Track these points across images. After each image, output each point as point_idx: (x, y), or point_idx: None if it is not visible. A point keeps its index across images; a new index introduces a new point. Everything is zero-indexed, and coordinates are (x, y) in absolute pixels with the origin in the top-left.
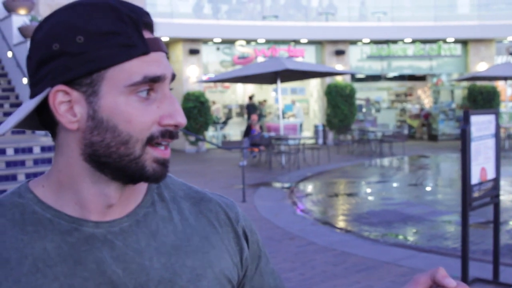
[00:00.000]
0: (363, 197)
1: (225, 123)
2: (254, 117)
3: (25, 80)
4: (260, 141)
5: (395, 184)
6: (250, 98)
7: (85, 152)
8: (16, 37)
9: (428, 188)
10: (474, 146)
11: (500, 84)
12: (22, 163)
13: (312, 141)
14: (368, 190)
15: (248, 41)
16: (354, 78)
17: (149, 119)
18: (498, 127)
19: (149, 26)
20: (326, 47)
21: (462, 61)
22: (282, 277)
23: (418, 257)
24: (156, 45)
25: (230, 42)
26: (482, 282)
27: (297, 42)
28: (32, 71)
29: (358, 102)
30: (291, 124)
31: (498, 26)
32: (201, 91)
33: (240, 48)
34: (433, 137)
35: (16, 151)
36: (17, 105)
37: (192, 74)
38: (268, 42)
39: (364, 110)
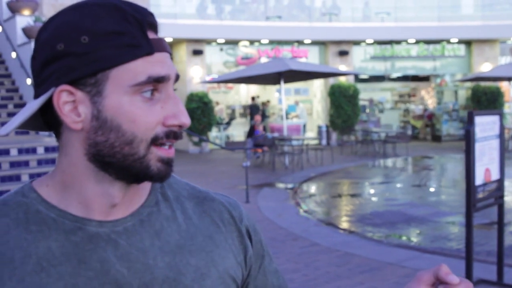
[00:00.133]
0: (366, 198)
1: (228, 123)
2: (258, 117)
3: (29, 81)
4: (264, 141)
5: (398, 185)
6: (253, 98)
7: (89, 152)
8: (20, 37)
9: (432, 189)
10: (478, 147)
11: (504, 85)
12: (26, 164)
13: (315, 141)
14: (372, 191)
15: (252, 42)
16: (357, 79)
17: (153, 119)
18: (502, 128)
19: (153, 26)
20: (329, 48)
21: (466, 62)
22: (286, 278)
23: (422, 258)
24: (160, 46)
25: (233, 42)
26: (486, 283)
27: (300, 42)
28: (36, 71)
29: (361, 102)
30: (295, 124)
31: (502, 26)
32: (205, 92)
33: (244, 48)
34: (436, 138)
35: (20, 151)
36: (21, 105)
37: (195, 74)
38: (271, 42)
39: (367, 110)
